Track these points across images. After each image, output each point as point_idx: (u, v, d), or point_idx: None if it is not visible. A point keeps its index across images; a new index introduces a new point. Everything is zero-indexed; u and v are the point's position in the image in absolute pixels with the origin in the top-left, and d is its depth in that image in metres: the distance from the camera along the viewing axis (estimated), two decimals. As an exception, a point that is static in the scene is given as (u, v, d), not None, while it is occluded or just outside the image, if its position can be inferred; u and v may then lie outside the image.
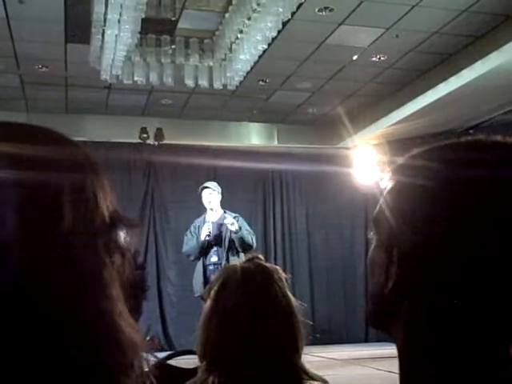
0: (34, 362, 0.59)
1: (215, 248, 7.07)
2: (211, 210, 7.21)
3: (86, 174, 0.68)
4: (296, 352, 1.49)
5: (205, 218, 7.25)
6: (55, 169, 0.64)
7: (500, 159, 0.72)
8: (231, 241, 7.02)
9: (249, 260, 1.60)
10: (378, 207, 0.79)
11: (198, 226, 7.22)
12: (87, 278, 0.63)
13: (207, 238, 7.01)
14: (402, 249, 0.73)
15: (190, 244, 7.20)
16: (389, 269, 0.74)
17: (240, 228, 7.03)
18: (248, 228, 7.22)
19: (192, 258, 7.18)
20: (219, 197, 7.30)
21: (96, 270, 0.64)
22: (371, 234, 0.80)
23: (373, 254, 0.79)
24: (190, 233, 7.27)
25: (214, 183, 7.44)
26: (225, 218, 7.15)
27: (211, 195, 7.22)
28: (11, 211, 0.59)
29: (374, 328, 0.81)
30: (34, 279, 0.59)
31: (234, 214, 7.30)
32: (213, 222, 7.14)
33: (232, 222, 7.02)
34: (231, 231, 7.01)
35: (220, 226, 7.11)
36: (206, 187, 7.27)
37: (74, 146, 0.70)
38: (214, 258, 7.04)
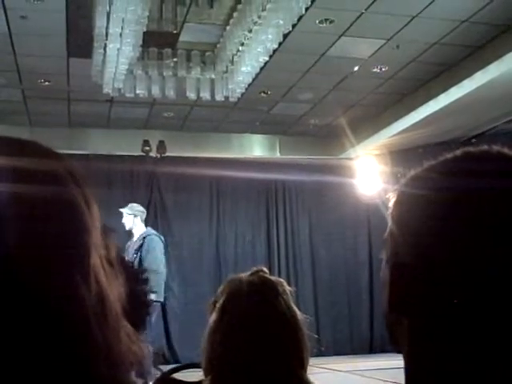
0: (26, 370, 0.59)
1: None
2: (132, 233, 7.53)
3: (70, 186, 0.68)
4: (301, 366, 1.48)
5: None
6: (41, 181, 0.65)
7: (502, 170, 0.72)
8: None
9: (253, 273, 1.60)
10: (395, 214, 0.79)
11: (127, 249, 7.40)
12: (78, 291, 0.64)
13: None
14: (403, 261, 0.73)
15: None
16: (391, 284, 0.74)
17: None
18: (151, 250, 7.39)
19: None
20: (130, 218, 7.55)
21: (84, 282, 0.64)
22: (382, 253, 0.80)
23: (382, 272, 0.79)
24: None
25: (130, 204, 7.73)
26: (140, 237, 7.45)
27: (124, 219, 7.55)
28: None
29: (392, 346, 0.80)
30: (23, 291, 0.60)
31: (147, 233, 7.55)
32: (129, 246, 7.41)
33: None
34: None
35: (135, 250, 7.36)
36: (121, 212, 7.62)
37: (60, 160, 0.70)
38: None
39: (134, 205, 7.76)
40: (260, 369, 1.43)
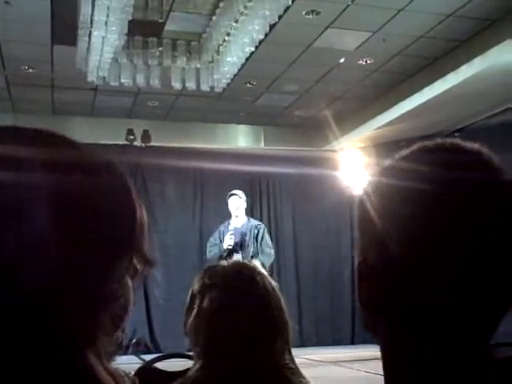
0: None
1: (239, 255, 7.33)
2: (236, 216, 7.58)
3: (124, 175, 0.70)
4: (286, 344, 1.49)
5: (229, 224, 7.57)
6: (86, 172, 0.66)
7: (455, 162, 0.73)
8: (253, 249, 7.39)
9: (230, 262, 1.62)
10: (359, 213, 0.79)
11: (223, 232, 7.53)
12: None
13: (229, 247, 7.32)
14: (385, 255, 0.73)
15: (213, 251, 7.49)
16: (368, 279, 0.75)
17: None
18: (267, 239, 7.58)
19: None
20: (245, 204, 7.71)
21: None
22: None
23: (357, 268, 0.79)
24: (214, 239, 7.58)
25: (241, 191, 7.81)
26: (250, 226, 7.52)
27: (239, 202, 7.62)
28: (42, 212, 0.60)
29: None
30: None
31: (257, 222, 7.73)
32: (236, 229, 7.47)
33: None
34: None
35: (243, 233, 7.44)
36: (234, 194, 7.67)
37: (90, 151, 0.71)
38: None
39: (242, 191, 7.87)
40: (242, 348, 1.43)
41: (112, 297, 0.64)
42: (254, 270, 1.56)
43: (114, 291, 0.65)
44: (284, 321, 1.51)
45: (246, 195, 10.42)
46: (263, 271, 1.58)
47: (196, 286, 1.55)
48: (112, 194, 0.66)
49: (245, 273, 1.53)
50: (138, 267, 0.70)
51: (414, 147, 0.77)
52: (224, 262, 1.61)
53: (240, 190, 9.03)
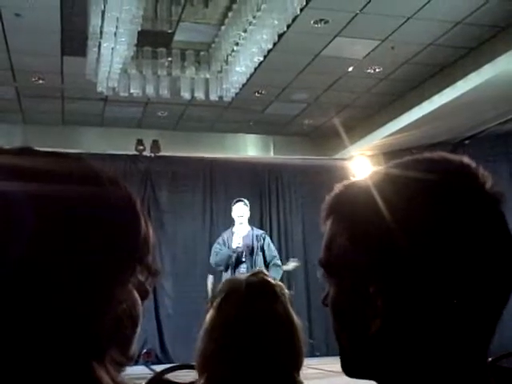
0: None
1: (245, 265, 7.28)
2: (240, 223, 7.50)
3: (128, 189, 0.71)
4: (295, 368, 1.49)
5: (233, 231, 7.52)
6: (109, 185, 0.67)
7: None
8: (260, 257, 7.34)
9: (254, 274, 1.61)
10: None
11: (227, 238, 7.48)
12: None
13: (238, 246, 7.28)
14: (390, 279, 0.73)
15: (220, 254, 7.40)
16: (370, 308, 0.75)
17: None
18: (273, 250, 7.55)
19: (222, 267, 7.35)
20: (248, 213, 7.63)
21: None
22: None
23: (344, 296, 0.79)
24: (219, 244, 7.51)
25: (245, 200, 7.74)
26: (254, 234, 7.46)
27: (244, 209, 7.55)
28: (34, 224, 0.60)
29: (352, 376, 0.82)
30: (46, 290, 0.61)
31: (261, 231, 7.67)
32: (241, 233, 7.41)
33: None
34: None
35: (249, 240, 7.39)
36: (240, 200, 7.61)
37: (96, 165, 0.72)
38: (243, 271, 7.23)
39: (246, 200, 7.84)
40: (254, 368, 1.43)
41: (115, 302, 0.65)
42: (272, 290, 1.55)
43: (116, 297, 0.65)
44: (294, 350, 1.50)
45: (256, 204, 10.50)
46: (286, 293, 1.58)
47: (213, 301, 1.56)
48: (116, 206, 0.67)
49: (262, 293, 1.52)
50: (143, 277, 0.70)
51: (411, 157, 0.81)
52: (243, 277, 1.60)
53: (248, 198, 9.08)
